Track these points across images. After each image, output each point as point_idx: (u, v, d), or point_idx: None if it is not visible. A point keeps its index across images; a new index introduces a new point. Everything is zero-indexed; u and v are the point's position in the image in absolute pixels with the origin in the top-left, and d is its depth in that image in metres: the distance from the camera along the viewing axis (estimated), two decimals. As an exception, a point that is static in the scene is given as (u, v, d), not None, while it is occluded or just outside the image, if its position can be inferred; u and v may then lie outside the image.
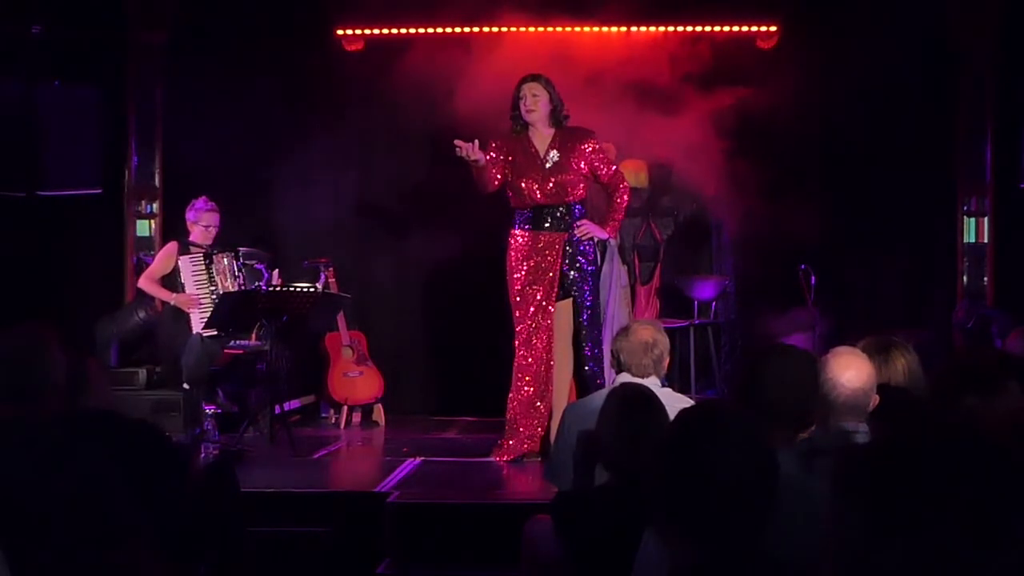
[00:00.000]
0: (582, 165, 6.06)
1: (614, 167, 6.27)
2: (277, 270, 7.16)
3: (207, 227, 6.95)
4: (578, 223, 6.04)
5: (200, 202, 7.01)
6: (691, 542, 1.87)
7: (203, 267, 6.92)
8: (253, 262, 7.12)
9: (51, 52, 7.64)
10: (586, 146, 6.08)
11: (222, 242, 7.09)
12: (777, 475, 1.90)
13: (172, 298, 6.87)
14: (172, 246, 7.01)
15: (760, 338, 7.57)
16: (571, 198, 6.08)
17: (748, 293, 8.19)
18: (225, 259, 6.99)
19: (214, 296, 6.85)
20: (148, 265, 7.21)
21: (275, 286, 6.76)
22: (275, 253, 7.39)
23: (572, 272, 6.05)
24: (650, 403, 3.17)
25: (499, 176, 6.10)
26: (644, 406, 3.16)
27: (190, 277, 6.90)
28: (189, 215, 7.03)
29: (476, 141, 5.88)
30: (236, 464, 4.69)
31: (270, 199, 8.04)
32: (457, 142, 5.85)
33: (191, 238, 7.00)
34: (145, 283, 7.04)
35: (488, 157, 6.04)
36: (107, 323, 7.41)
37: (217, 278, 6.93)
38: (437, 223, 7.74)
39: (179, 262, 6.90)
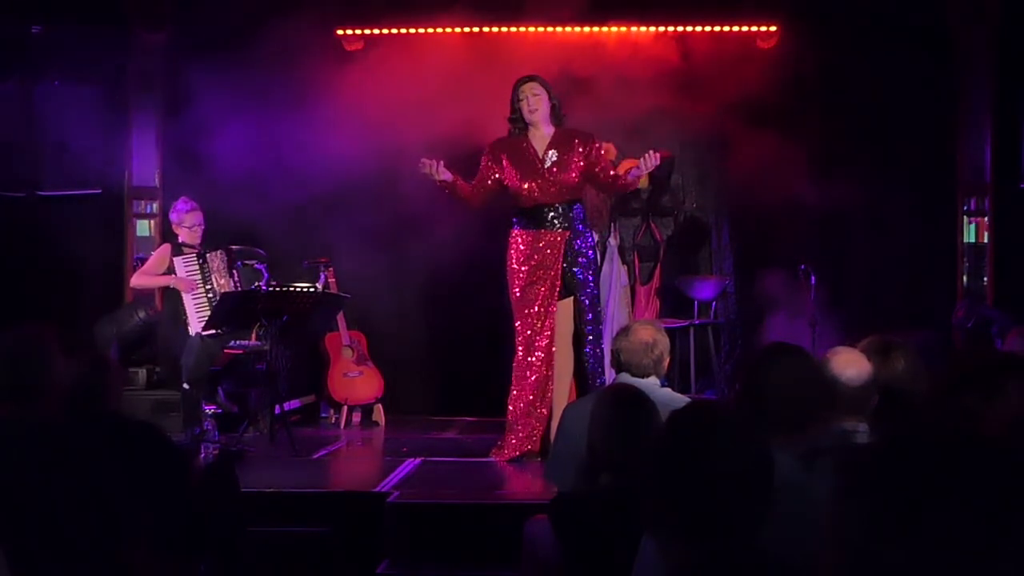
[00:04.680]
0: (581, 165, 6.06)
1: (612, 172, 6.24)
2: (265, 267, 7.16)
3: (191, 227, 6.95)
4: (635, 167, 5.98)
5: (180, 203, 6.99)
6: (687, 543, 1.87)
7: (197, 267, 6.92)
8: (253, 262, 7.12)
9: (51, 52, 7.65)
10: (586, 148, 6.08)
11: (212, 240, 7.08)
12: (772, 473, 1.90)
13: (171, 281, 6.86)
14: (165, 248, 7.01)
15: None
16: (571, 197, 6.08)
17: (748, 293, 8.20)
18: (218, 258, 6.99)
19: (210, 295, 6.85)
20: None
21: (274, 286, 6.76)
22: (269, 252, 7.37)
23: (573, 271, 6.05)
24: (640, 403, 3.16)
25: (489, 186, 6.11)
26: (634, 406, 3.15)
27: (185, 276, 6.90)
28: (172, 217, 7.03)
29: (441, 161, 5.91)
30: (236, 464, 4.68)
31: (270, 199, 8.04)
32: (423, 160, 5.89)
33: (180, 239, 7.00)
34: (139, 278, 7.04)
35: (483, 164, 6.09)
36: (107, 323, 7.41)
37: (212, 277, 6.93)
38: (437, 223, 7.73)
39: (173, 263, 6.90)
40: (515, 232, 6.12)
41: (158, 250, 7.12)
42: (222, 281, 6.94)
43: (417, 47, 8.06)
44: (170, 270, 6.91)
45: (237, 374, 7.34)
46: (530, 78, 6.14)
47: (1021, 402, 2.41)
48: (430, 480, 5.77)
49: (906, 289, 8.01)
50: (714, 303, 8.18)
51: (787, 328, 7.56)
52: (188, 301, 6.84)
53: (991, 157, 7.82)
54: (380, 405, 7.79)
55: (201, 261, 6.93)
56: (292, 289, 6.77)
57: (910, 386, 3.32)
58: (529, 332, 6.02)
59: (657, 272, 8.19)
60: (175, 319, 6.89)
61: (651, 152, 5.93)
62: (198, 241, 7.00)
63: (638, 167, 5.91)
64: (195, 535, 3.30)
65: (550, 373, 6.02)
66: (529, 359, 6.02)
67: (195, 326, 6.76)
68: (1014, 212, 7.80)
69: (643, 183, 7.88)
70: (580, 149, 6.07)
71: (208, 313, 6.70)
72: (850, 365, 3.07)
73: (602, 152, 6.29)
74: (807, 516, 1.81)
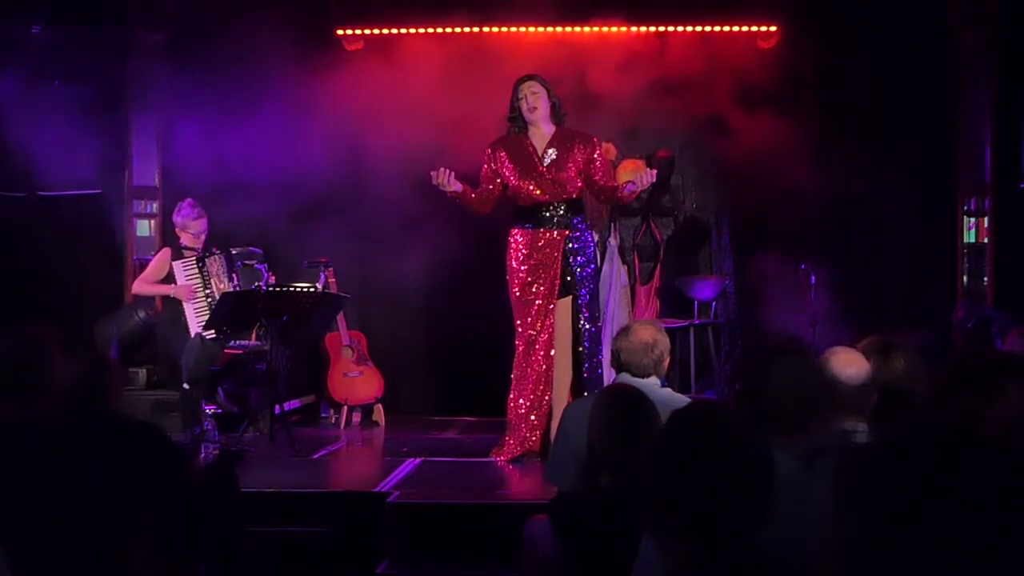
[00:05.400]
0: (580, 166, 6.06)
1: (612, 183, 6.24)
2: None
3: (196, 234, 6.96)
4: (631, 184, 5.96)
5: (186, 208, 6.97)
6: (687, 543, 1.87)
7: (196, 270, 6.91)
8: (253, 262, 7.12)
9: (51, 52, 7.64)
10: (586, 150, 6.08)
11: (211, 241, 7.07)
12: (772, 474, 1.91)
13: (171, 290, 6.86)
14: (166, 253, 7.00)
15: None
16: (570, 195, 6.08)
17: (748, 293, 8.20)
18: (217, 262, 6.98)
19: (209, 300, 6.84)
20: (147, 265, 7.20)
21: (272, 286, 6.76)
22: (269, 253, 7.36)
23: (572, 270, 6.05)
24: (640, 403, 3.16)
25: (494, 189, 6.13)
26: (634, 406, 3.15)
27: (184, 281, 6.88)
28: (176, 219, 7.01)
29: (452, 172, 5.92)
30: (236, 464, 4.68)
31: (269, 199, 8.04)
32: (433, 172, 5.90)
33: (181, 242, 6.99)
34: (140, 286, 7.04)
35: (485, 168, 6.11)
36: (107, 323, 7.40)
37: (212, 280, 6.93)
38: (437, 222, 7.73)
39: (172, 266, 6.90)
40: (514, 231, 6.12)
41: (158, 255, 7.10)
42: (221, 285, 6.93)
43: (418, 47, 8.06)
44: (170, 274, 6.90)
45: (237, 374, 7.34)
46: (529, 77, 6.16)
47: (1021, 402, 2.41)
48: (430, 480, 5.77)
49: (906, 289, 8.01)
50: (714, 303, 8.18)
51: (785, 311, 7.59)
52: (188, 308, 6.83)
53: (991, 157, 7.81)
54: (380, 405, 7.79)
55: (200, 265, 6.92)
56: (292, 289, 6.76)
57: (910, 386, 3.32)
58: (529, 332, 6.02)
59: (657, 272, 8.19)
60: (175, 320, 6.88)
61: (648, 170, 5.96)
62: (200, 245, 7.00)
63: (634, 183, 5.92)
64: (195, 535, 3.31)
65: (550, 373, 6.02)
66: (529, 359, 6.02)
67: (195, 329, 6.76)
68: (1014, 212, 7.80)
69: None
70: (580, 149, 6.07)
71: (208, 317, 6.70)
72: (849, 365, 3.07)
73: (602, 155, 6.27)
74: (807, 516, 1.82)
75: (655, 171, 6.01)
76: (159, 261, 6.99)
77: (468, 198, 6.07)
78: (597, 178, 6.10)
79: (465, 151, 6.75)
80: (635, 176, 7.25)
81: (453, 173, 5.93)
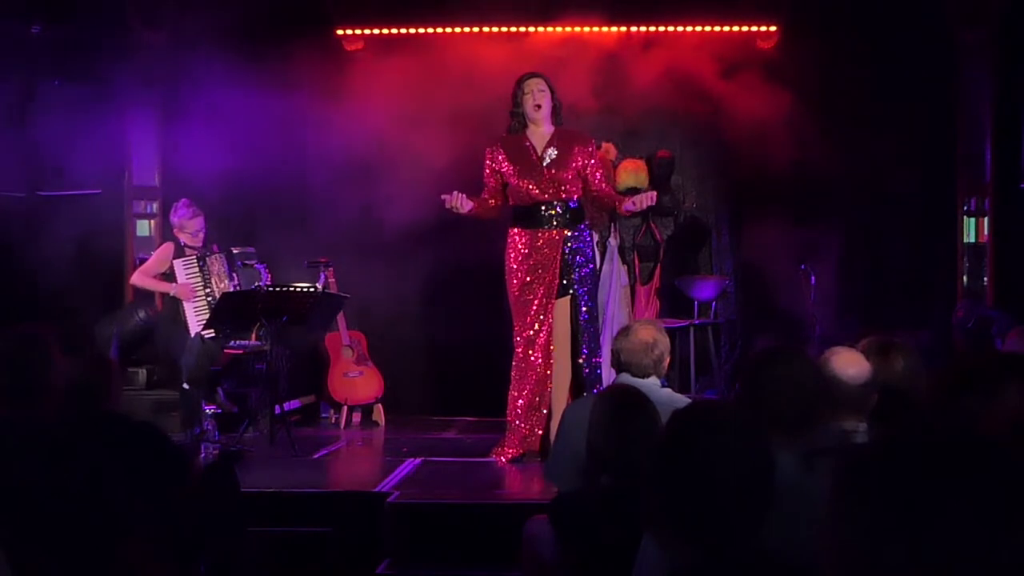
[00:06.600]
0: (579, 166, 6.06)
1: (609, 188, 6.24)
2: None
3: (194, 233, 6.95)
4: (630, 202, 5.98)
5: (182, 209, 6.94)
6: (688, 543, 1.87)
7: (197, 269, 6.91)
8: (253, 262, 7.11)
9: (51, 51, 7.64)
10: (584, 150, 6.08)
11: (211, 240, 7.06)
12: (773, 474, 1.91)
13: (171, 289, 6.85)
14: (168, 248, 6.98)
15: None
16: (568, 195, 6.08)
17: (748, 293, 8.20)
18: (218, 262, 6.98)
19: (209, 300, 6.84)
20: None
21: (272, 286, 6.75)
22: (269, 253, 7.35)
23: (571, 270, 6.04)
24: (640, 403, 3.16)
25: (500, 193, 6.13)
26: (634, 407, 3.15)
27: (185, 280, 6.88)
28: (173, 220, 6.99)
29: (463, 194, 5.93)
30: (236, 464, 4.68)
31: (269, 199, 8.04)
32: (445, 196, 5.91)
33: (181, 241, 6.98)
34: (139, 278, 7.01)
35: (487, 173, 6.12)
36: (107, 323, 7.40)
37: (212, 279, 6.92)
38: (436, 223, 7.74)
39: (173, 264, 6.89)
40: (514, 231, 6.12)
41: (160, 249, 7.09)
42: (222, 284, 6.93)
43: (419, 47, 8.06)
44: (170, 271, 6.90)
45: (237, 374, 7.34)
46: (536, 75, 6.15)
47: (1021, 402, 2.40)
48: (430, 480, 5.77)
49: (906, 289, 8.01)
50: (714, 303, 8.18)
51: (786, 311, 7.60)
52: (188, 308, 6.82)
53: (991, 157, 7.81)
54: (380, 405, 7.79)
55: (201, 263, 6.92)
56: (292, 289, 6.76)
57: (910, 386, 3.32)
58: (528, 331, 6.02)
59: (657, 272, 8.19)
60: (174, 319, 6.88)
61: (648, 193, 5.98)
62: (200, 244, 6.99)
63: (633, 203, 5.93)
64: (195, 535, 3.30)
65: (549, 373, 6.02)
66: (528, 358, 6.02)
67: (195, 329, 6.76)
68: (1014, 212, 7.80)
69: (643, 183, 7.88)
70: (579, 150, 6.07)
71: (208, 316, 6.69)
72: (850, 365, 3.07)
73: (602, 158, 6.28)
74: (807, 516, 1.81)
75: (655, 193, 6.02)
76: (161, 255, 6.98)
77: (479, 211, 6.07)
78: (595, 187, 6.10)
79: (470, 149, 6.75)
80: (635, 178, 7.25)
81: (464, 195, 5.94)
